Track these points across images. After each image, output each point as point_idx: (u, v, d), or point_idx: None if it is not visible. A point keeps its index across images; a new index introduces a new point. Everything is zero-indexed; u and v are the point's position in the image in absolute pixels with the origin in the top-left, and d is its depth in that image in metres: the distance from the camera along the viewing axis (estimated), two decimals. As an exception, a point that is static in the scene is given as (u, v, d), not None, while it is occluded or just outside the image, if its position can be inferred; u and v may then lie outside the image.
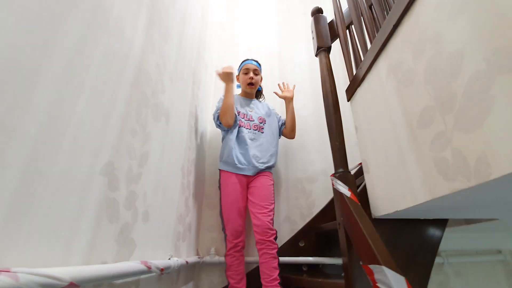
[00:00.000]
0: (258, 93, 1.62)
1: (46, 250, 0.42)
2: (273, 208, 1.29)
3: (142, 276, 0.70)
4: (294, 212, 1.55)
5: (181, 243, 1.09)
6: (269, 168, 1.41)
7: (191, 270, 1.28)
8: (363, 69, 0.89)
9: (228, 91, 1.34)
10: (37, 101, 0.40)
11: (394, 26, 0.69)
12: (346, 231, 0.80)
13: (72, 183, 0.47)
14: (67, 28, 0.47)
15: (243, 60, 1.55)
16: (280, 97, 1.57)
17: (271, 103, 1.71)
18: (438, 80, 0.54)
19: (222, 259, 1.36)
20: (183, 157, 1.12)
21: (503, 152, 0.41)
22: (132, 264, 0.58)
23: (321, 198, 1.58)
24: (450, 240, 1.48)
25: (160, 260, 0.77)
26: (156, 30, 0.85)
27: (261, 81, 1.55)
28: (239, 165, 1.33)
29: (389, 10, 0.75)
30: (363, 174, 1.25)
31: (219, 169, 1.39)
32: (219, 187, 1.38)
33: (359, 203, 0.80)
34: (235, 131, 1.37)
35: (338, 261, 1.29)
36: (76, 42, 0.49)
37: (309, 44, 2.06)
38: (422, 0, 0.59)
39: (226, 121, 1.33)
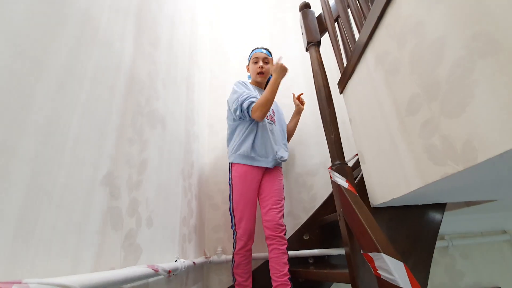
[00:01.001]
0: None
1: (55, 261, 0.44)
2: (284, 204, 1.28)
3: (150, 280, 0.72)
4: (296, 206, 1.57)
5: (187, 245, 1.11)
6: (283, 161, 1.38)
7: (199, 270, 1.31)
8: (353, 61, 0.90)
9: (276, 85, 1.25)
10: (34, 119, 0.42)
11: (378, 17, 0.69)
12: (346, 221, 0.82)
13: (75, 196, 0.49)
14: (56, 45, 0.48)
15: (253, 49, 1.49)
16: (300, 107, 1.53)
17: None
18: (422, 68, 0.55)
19: (230, 257, 1.38)
20: (182, 160, 1.14)
21: (488, 135, 0.42)
22: (139, 269, 0.60)
23: (322, 191, 1.59)
24: (453, 223, 1.49)
25: (167, 262, 0.79)
26: (145, 38, 0.86)
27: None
28: (258, 158, 1.28)
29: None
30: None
31: (231, 163, 1.31)
32: (230, 183, 1.29)
33: (357, 193, 0.81)
34: (254, 121, 1.32)
35: (342, 251, 1.31)
36: (66, 58, 0.50)
37: (300, 39, 2.06)
38: (403, -10, 0.60)
39: (262, 115, 1.23)
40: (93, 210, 0.53)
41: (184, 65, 1.30)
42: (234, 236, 1.25)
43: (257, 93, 1.41)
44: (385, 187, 0.76)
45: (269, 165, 1.30)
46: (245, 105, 1.25)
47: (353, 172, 0.92)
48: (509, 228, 1.58)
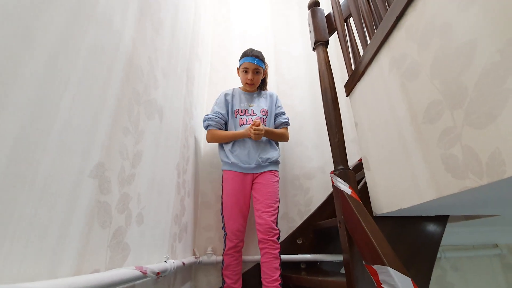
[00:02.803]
0: (262, 81, 1.49)
1: (32, 261, 0.38)
2: (278, 206, 1.25)
3: (137, 282, 0.66)
4: (291, 209, 1.54)
5: (177, 244, 1.06)
6: (274, 164, 1.34)
7: (188, 271, 1.26)
8: (363, 63, 0.86)
9: (238, 136, 1.32)
10: (17, 97, 0.36)
11: (397, 17, 0.66)
12: (348, 229, 0.78)
13: (59, 187, 0.43)
14: (49, 17, 0.42)
15: (244, 54, 1.40)
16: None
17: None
18: (446, 73, 0.51)
19: (220, 258, 1.34)
20: (178, 155, 1.08)
21: (518, 149, 0.39)
22: (126, 271, 0.55)
23: (318, 195, 1.56)
24: (447, 234, 1.48)
25: (156, 263, 0.74)
26: (148, 22, 0.80)
27: (263, 75, 1.44)
28: (242, 164, 1.29)
29: (391, 1, 0.73)
30: (360, 170, 1.23)
31: (222, 169, 1.35)
32: (222, 185, 1.33)
33: (360, 201, 0.78)
34: (235, 129, 1.36)
35: (336, 258, 1.28)
36: (60, 33, 0.45)
37: (305, 37, 2.03)
38: (428, -11, 0.57)
39: (209, 141, 1.39)
40: (79, 204, 0.48)
41: (185, 56, 1.24)
42: (224, 236, 1.25)
43: (244, 98, 1.44)
44: (392, 196, 0.72)
45: (254, 170, 1.30)
46: (204, 124, 1.38)
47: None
48: (501, 242, 1.58)
